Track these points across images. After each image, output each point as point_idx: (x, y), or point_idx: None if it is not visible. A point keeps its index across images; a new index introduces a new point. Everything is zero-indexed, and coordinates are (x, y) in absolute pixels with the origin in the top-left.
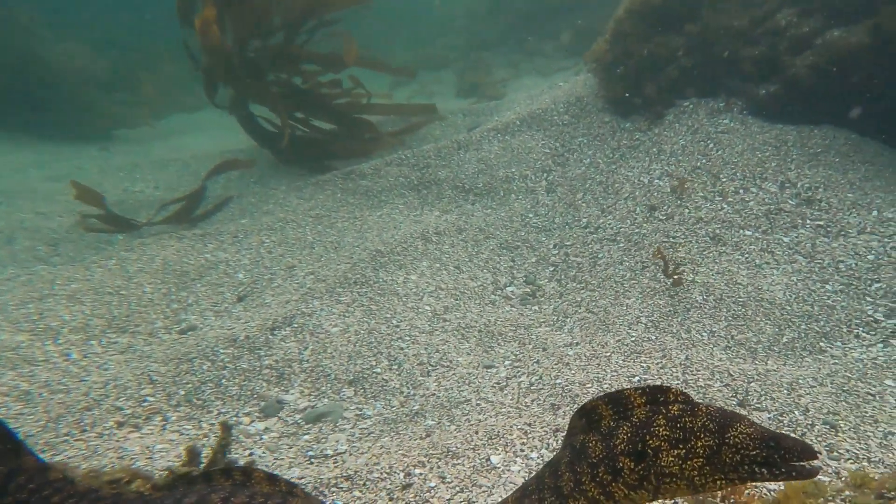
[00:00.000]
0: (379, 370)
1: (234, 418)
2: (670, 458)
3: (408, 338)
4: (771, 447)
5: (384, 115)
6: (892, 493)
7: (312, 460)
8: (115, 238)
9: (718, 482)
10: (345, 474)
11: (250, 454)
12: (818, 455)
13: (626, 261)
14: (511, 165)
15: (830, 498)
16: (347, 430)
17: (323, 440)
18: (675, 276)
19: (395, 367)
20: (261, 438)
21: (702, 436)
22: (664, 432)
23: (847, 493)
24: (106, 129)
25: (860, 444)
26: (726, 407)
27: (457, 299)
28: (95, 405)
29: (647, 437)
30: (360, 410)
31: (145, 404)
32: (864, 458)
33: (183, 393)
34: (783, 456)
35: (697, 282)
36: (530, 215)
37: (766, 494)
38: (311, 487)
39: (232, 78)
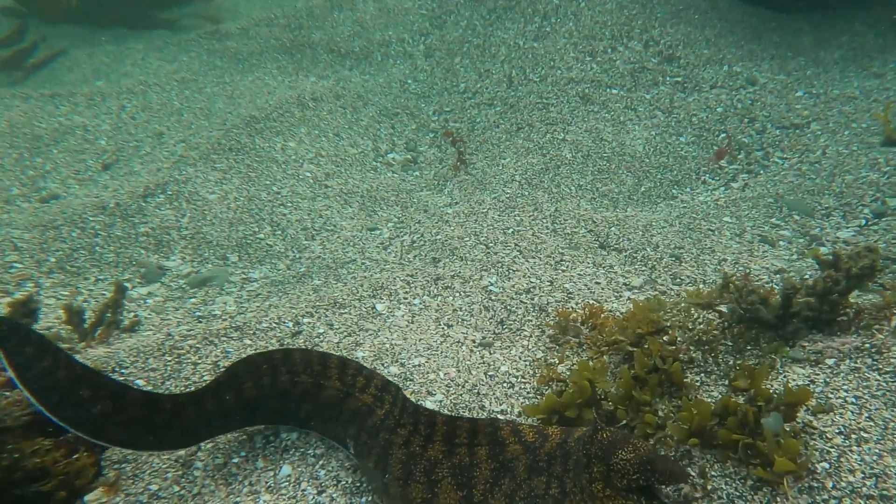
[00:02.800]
0: (262, 236)
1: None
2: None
3: (290, 204)
4: (647, 470)
5: None
6: (717, 300)
7: (201, 319)
8: None
9: None
10: (234, 325)
11: (135, 315)
12: (688, 478)
13: (502, 123)
14: (388, 28)
15: (670, 308)
16: (234, 292)
17: (210, 302)
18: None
19: (279, 232)
20: (145, 302)
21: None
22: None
23: (682, 304)
24: None
25: (699, 270)
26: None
27: (338, 166)
28: None
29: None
30: (245, 274)
31: (13, 270)
32: (700, 282)
33: (54, 260)
34: (658, 479)
35: (568, 140)
36: (409, 81)
37: (620, 314)
38: (201, 338)
39: None
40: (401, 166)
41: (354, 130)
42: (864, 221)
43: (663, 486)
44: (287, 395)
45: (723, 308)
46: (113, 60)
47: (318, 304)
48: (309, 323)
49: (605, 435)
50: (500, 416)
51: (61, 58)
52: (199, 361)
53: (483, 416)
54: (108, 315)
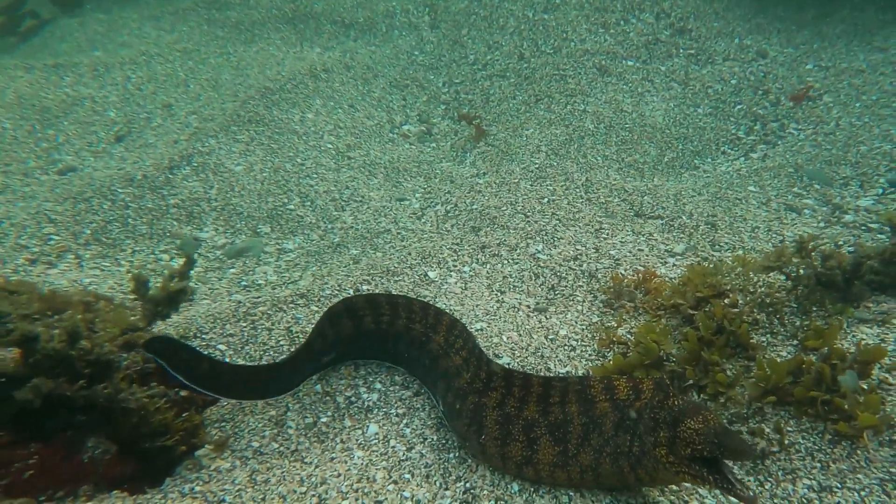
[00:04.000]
0: (292, 207)
1: (152, 256)
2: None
3: (315, 175)
4: (714, 444)
5: None
6: (773, 263)
7: (248, 289)
8: None
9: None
10: (298, 293)
11: (192, 290)
12: (753, 456)
13: (518, 95)
14: None
15: (726, 273)
16: (272, 262)
17: (250, 272)
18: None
19: (308, 203)
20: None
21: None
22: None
23: (738, 269)
24: None
25: (735, 237)
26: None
27: (357, 137)
28: None
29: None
30: (279, 245)
31: (52, 242)
32: (739, 248)
33: (89, 232)
34: (724, 454)
35: (589, 111)
36: (416, 53)
37: (671, 279)
38: (270, 305)
39: None
40: (417, 138)
41: (368, 102)
42: (881, 190)
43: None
44: (399, 337)
45: (786, 272)
46: (107, 29)
47: (372, 271)
48: (368, 290)
49: (676, 402)
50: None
51: (50, 26)
52: (273, 327)
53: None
54: (173, 284)
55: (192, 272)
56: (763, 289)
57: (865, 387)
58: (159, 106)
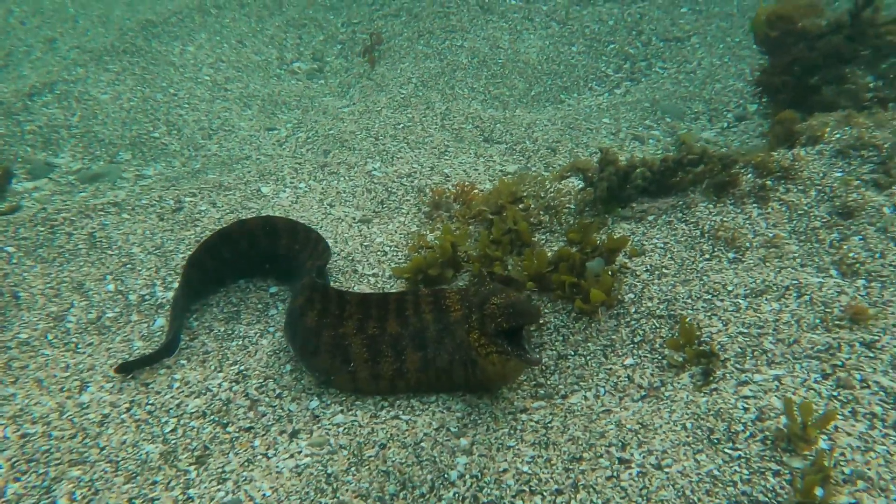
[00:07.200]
0: (157, 135)
1: None
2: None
3: (187, 105)
4: (511, 313)
5: None
6: (566, 173)
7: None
8: None
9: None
10: (112, 201)
11: (16, 204)
12: (541, 316)
13: (405, 32)
14: None
15: (529, 184)
16: (126, 187)
17: (100, 195)
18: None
19: (175, 131)
20: (31, 195)
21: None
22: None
23: (548, 184)
24: None
25: (569, 158)
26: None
27: (239, 71)
28: None
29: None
30: (139, 171)
31: None
32: None
33: None
34: (518, 318)
35: (465, 47)
36: None
37: (483, 189)
38: (76, 211)
39: None
40: (306, 75)
41: (259, 39)
42: (725, 124)
43: (524, 333)
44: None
45: (574, 180)
46: None
47: (202, 186)
48: (191, 201)
49: (486, 288)
50: (370, 278)
51: None
52: (74, 232)
53: (356, 279)
54: None
55: (15, 185)
56: (552, 194)
57: (611, 273)
58: (42, 40)
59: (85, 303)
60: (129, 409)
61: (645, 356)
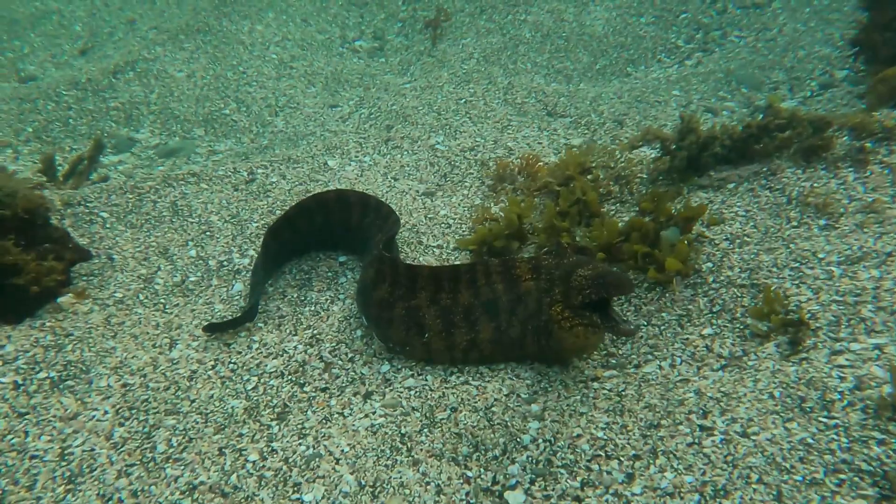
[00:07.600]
0: (227, 112)
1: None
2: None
3: (255, 83)
4: (600, 284)
5: None
6: (637, 143)
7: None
8: None
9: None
10: (191, 172)
11: (107, 176)
12: (634, 287)
13: (466, 8)
14: None
15: (598, 154)
16: (200, 162)
17: (178, 169)
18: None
19: (244, 108)
20: (115, 168)
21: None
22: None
23: (618, 154)
24: None
25: (637, 130)
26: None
27: (304, 49)
28: None
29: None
30: (211, 147)
31: None
32: None
33: (31, 130)
34: (608, 290)
35: (528, 21)
36: None
37: (548, 162)
38: (160, 180)
39: None
40: (367, 53)
41: (322, 17)
42: (809, 93)
43: (615, 305)
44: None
45: (646, 149)
46: None
47: (272, 159)
48: (263, 173)
49: (569, 259)
50: (435, 250)
51: None
52: (159, 200)
53: (422, 250)
54: (81, 167)
55: (102, 158)
56: (623, 164)
57: (686, 242)
58: (123, 21)
59: (170, 267)
60: (214, 367)
61: (725, 326)
